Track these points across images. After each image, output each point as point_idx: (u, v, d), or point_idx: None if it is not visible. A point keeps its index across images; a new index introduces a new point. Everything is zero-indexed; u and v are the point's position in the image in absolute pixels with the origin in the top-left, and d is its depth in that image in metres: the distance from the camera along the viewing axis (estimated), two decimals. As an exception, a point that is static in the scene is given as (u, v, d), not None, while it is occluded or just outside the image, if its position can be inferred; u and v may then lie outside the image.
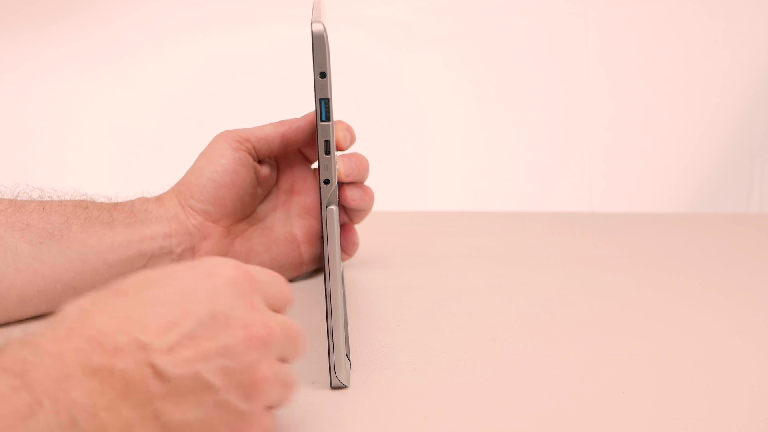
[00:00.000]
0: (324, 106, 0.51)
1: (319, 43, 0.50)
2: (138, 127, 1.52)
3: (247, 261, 0.71)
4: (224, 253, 0.70)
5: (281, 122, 0.71)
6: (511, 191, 1.52)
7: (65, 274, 0.63)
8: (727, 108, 1.49)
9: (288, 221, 0.73)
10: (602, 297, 0.71)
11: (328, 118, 0.52)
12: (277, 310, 0.45)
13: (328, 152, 0.52)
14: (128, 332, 0.39)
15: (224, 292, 0.41)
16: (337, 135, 0.66)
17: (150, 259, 0.67)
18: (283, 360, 0.43)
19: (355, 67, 1.49)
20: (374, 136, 1.45)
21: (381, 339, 0.61)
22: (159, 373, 0.38)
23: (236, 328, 0.41)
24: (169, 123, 1.51)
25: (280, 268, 0.71)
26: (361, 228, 0.77)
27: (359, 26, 1.49)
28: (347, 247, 0.74)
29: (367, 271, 0.77)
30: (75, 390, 0.36)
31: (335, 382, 0.53)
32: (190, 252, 0.69)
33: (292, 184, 0.74)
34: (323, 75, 0.50)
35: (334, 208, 0.53)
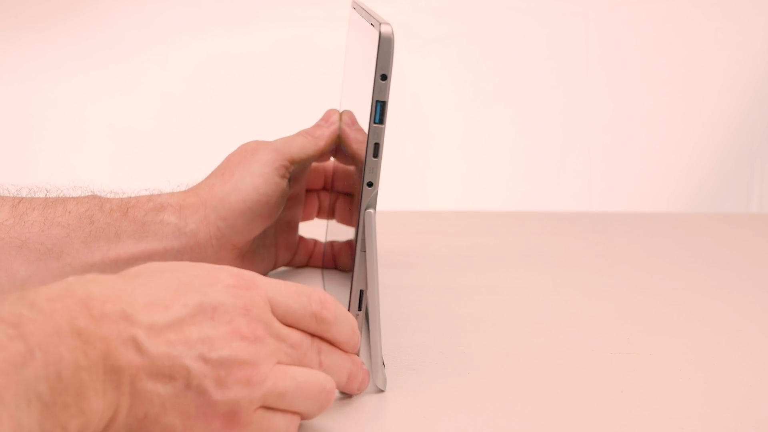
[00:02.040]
0: (380, 108, 0.51)
1: (386, 46, 0.49)
2: (139, 128, 1.52)
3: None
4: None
5: (323, 146, 0.68)
6: (511, 191, 1.53)
7: None
8: (727, 108, 1.50)
9: (271, 227, 0.71)
10: (601, 297, 0.71)
11: (381, 121, 0.51)
12: (301, 324, 0.46)
13: (376, 155, 0.52)
14: (117, 303, 0.40)
15: (217, 288, 0.43)
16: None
17: None
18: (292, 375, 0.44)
19: (355, 67, 1.50)
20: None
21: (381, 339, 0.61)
22: (138, 346, 0.40)
23: (220, 323, 0.42)
24: (170, 123, 1.51)
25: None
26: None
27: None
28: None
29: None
30: (63, 346, 0.37)
31: (374, 388, 0.53)
32: None
33: None
34: (384, 77, 0.50)
35: (372, 211, 0.52)
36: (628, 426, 0.49)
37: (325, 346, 0.47)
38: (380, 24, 0.49)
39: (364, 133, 0.56)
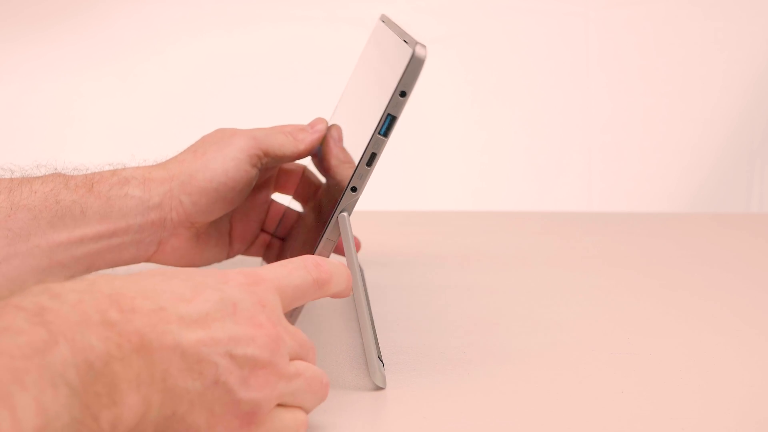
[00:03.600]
0: (389, 122, 0.51)
1: (416, 65, 0.50)
2: (139, 128, 1.52)
3: (200, 256, 0.69)
4: (185, 252, 0.67)
5: (302, 150, 0.67)
6: (511, 191, 1.53)
7: (32, 273, 0.61)
8: (726, 107, 1.50)
9: (227, 216, 0.71)
10: (601, 297, 0.71)
11: (386, 135, 0.52)
12: (306, 296, 0.47)
13: (370, 164, 0.52)
14: (145, 298, 0.41)
15: (231, 285, 0.44)
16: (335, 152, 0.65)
17: (117, 248, 0.64)
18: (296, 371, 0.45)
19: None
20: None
21: (380, 339, 0.61)
22: (173, 340, 0.40)
23: (242, 319, 0.43)
24: (170, 123, 1.51)
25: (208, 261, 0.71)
26: (360, 228, 0.77)
27: (359, 26, 1.49)
28: None
29: (366, 271, 0.77)
30: (92, 335, 0.37)
31: (373, 386, 0.53)
32: (155, 246, 0.66)
33: None
34: (403, 94, 0.51)
35: (346, 215, 0.53)
36: (628, 426, 0.49)
37: (312, 343, 0.48)
38: (416, 43, 0.50)
39: (347, 153, 0.56)
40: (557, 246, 0.88)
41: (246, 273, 0.45)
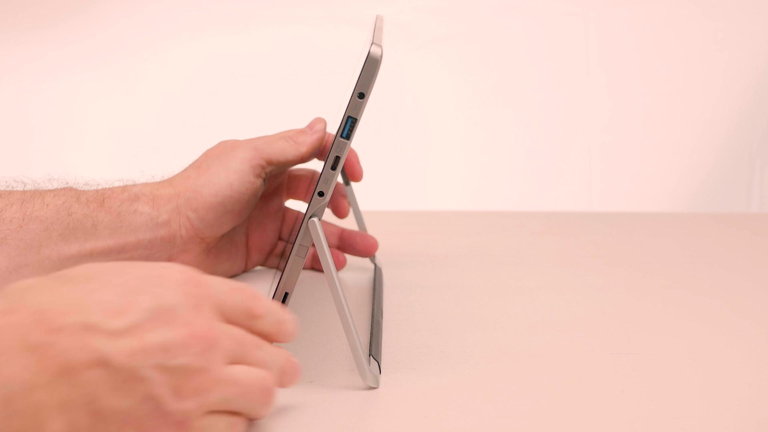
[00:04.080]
0: (350, 124, 0.51)
1: (372, 67, 0.49)
2: (139, 128, 1.52)
3: (213, 269, 0.69)
4: (198, 267, 0.66)
5: (304, 152, 0.67)
6: (511, 191, 1.53)
7: None
8: (727, 107, 1.50)
9: (242, 227, 0.71)
10: (601, 296, 0.71)
11: (348, 137, 0.52)
12: (235, 320, 0.45)
13: (334, 168, 0.52)
14: (73, 313, 0.39)
15: (169, 288, 0.42)
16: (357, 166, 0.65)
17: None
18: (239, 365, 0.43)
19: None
20: (374, 135, 1.45)
21: (381, 338, 0.61)
22: (100, 357, 0.38)
23: (178, 325, 0.41)
24: (170, 124, 1.51)
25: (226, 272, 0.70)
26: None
27: (359, 26, 1.50)
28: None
29: (367, 271, 0.77)
30: (11, 366, 0.36)
31: (365, 386, 0.53)
32: (165, 261, 0.65)
33: None
34: (362, 96, 0.50)
35: (316, 220, 0.53)
36: (628, 426, 0.49)
37: (261, 341, 0.46)
38: (372, 44, 0.50)
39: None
40: (557, 246, 0.88)
41: (186, 272, 0.44)
